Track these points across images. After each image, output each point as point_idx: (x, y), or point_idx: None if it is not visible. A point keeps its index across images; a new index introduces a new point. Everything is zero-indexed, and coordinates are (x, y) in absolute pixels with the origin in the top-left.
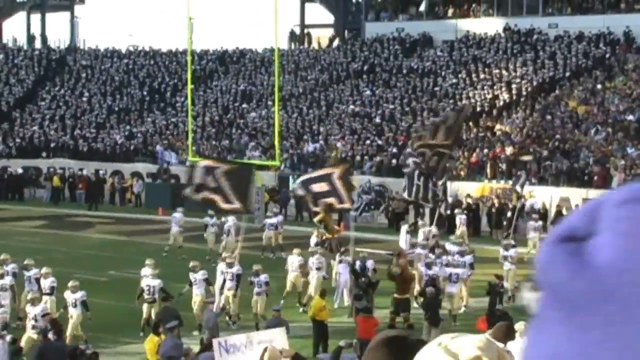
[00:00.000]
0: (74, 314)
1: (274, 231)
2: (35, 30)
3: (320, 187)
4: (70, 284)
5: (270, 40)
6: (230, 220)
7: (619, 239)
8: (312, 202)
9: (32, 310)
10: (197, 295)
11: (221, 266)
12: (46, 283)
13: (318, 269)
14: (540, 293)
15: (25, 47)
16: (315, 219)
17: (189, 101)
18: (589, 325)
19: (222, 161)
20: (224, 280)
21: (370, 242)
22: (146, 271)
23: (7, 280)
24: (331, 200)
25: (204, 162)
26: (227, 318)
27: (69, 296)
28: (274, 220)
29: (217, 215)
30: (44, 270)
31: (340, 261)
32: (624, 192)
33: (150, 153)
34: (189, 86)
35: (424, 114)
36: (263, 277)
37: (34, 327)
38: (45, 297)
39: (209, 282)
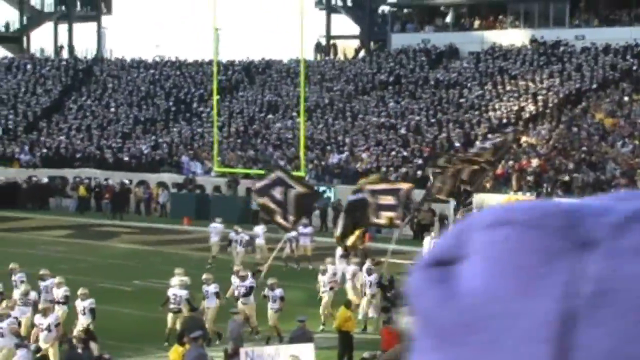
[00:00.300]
0: (83, 322)
1: (298, 243)
2: (63, 40)
3: (385, 199)
4: (79, 291)
5: (296, 51)
6: (260, 231)
7: (485, 265)
8: (375, 212)
9: (43, 321)
10: (207, 307)
11: (234, 279)
12: (59, 292)
13: (331, 288)
14: (413, 318)
15: (52, 57)
16: (348, 242)
17: (214, 112)
18: (460, 356)
19: (300, 182)
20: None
21: (394, 253)
22: (175, 280)
23: (32, 296)
24: (392, 214)
25: (280, 173)
26: (249, 329)
27: (79, 304)
28: (294, 233)
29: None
30: (57, 279)
31: (370, 272)
32: (491, 214)
33: (176, 163)
34: (215, 97)
35: (449, 126)
36: (278, 292)
37: (66, 338)
38: (57, 307)
39: (219, 295)
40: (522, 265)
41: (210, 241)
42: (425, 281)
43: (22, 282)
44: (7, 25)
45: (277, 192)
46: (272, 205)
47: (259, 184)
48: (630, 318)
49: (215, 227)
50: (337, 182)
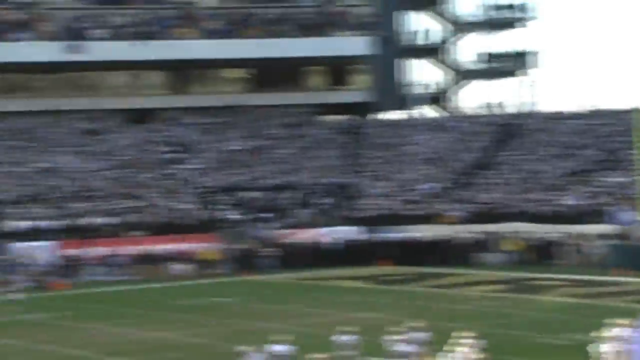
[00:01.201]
0: None
1: None
2: (491, 95)
3: None
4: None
5: None
6: None
7: None
8: None
9: None
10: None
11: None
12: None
13: None
14: None
15: (481, 113)
16: None
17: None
18: None
19: None
20: None
21: None
22: (609, 333)
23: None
24: None
25: None
26: None
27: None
28: None
29: None
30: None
31: None
32: None
33: (607, 213)
34: None
35: None
36: None
37: None
38: None
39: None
40: None
41: None
42: None
43: (425, 342)
44: (434, 86)
45: None
46: None
47: None
48: None
49: None
50: None
